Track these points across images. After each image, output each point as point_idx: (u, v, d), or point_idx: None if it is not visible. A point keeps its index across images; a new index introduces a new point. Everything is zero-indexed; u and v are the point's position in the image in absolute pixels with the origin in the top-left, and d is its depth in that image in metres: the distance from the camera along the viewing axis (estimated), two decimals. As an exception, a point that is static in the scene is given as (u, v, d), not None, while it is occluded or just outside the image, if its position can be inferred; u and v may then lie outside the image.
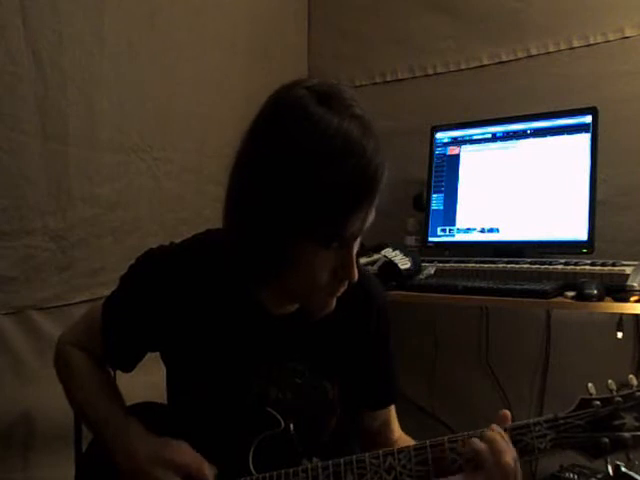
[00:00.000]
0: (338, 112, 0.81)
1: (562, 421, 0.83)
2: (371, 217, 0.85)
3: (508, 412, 0.87)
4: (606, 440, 0.81)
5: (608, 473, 1.63)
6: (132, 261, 1.05)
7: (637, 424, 0.81)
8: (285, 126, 0.81)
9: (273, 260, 0.86)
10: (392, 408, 1.13)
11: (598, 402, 0.83)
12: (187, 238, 1.05)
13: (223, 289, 0.98)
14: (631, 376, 0.84)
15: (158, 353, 1.06)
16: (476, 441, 0.84)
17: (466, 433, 0.85)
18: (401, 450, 0.87)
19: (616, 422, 0.82)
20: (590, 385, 0.85)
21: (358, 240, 0.88)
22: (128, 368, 1.08)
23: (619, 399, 0.82)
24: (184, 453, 0.94)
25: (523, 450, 0.83)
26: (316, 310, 0.93)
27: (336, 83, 0.87)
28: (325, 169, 0.78)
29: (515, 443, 0.83)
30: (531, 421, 0.84)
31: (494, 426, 0.85)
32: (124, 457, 0.96)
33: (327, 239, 0.83)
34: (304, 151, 0.79)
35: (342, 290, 0.91)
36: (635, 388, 0.83)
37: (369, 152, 0.80)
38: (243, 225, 0.86)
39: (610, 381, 0.84)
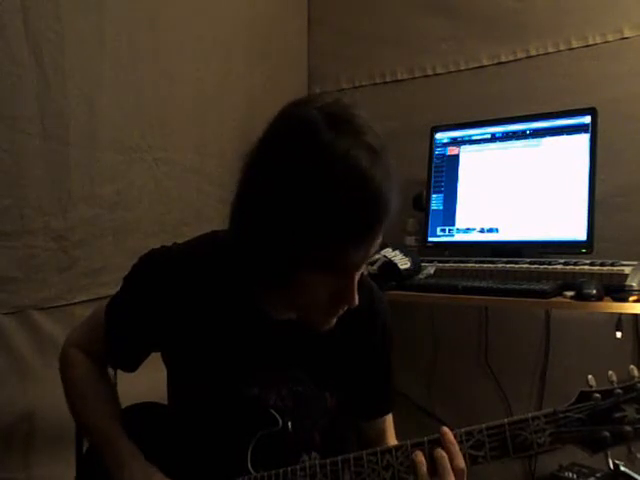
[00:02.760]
0: (348, 139, 0.78)
1: (561, 415, 0.82)
2: (377, 245, 0.84)
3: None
4: (607, 433, 0.79)
5: (608, 472, 1.63)
6: (133, 261, 1.04)
7: (638, 416, 0.79)
8: (293, 149, 0.79)
9: (274, 277, 0.86)
10: (388, 418, 1.13)
11: (598, 395, 0.81)
12: (192, 238, 1.05)
13: (225, 291, 0.98)
14: (632, 367, 0.82)
15: (159, 354, 1.06)
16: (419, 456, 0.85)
17: (463, 430, 0.85)
18: (399, 447, 0.87)
19: (617, 415, 0.80)
20: (590, 377, 0.83)
21: (363, 266, 0.87)
22: (131, 368, 1.08)
23: (619, 391, 0.80)
24: None
25: (522, 445, 0.82)
26: (315, 326, 0.92)
27: (349, 104, 0.83)
28: (329, 198, 0.76)
29: (513, 438, 0.82)
30: (529, 415, 0.83)
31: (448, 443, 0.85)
32: (114, 476, 0.97)
33: (327, 266, 0.82)
34: (309, 178, 0.77)
35: (341, 312, 0.90)
36: (636, 379, 0.81)
37: (375, 183, 0.78)
38: (247, 238, 0.86)
39: (610, 372, 0.82)
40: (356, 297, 0.86)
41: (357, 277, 0.86)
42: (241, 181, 0.87)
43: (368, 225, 0.80)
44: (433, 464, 0.84)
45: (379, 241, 0.84)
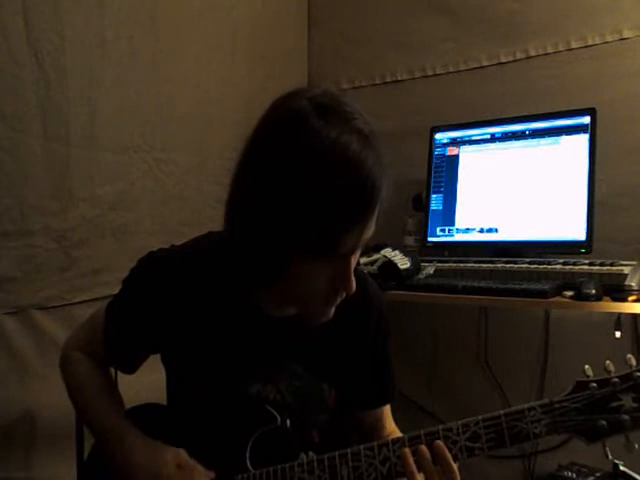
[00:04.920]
0: (337, 125, 0.79)
1: (557, 405, 0.82)
2: (370, 231, 0.84)
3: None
4: (604, 422, 0.79)
5: (607, 472, 1.63)
6: (133, 261, 1.05)
7: (635, 405, 0.79)
8: (282, 139, 0.81)
9: (270, 268, 0.87)
10: (386, 407, 1.14)
11: (595, 384, 0.81)
12: (188, 240, 1.06)
13: (223, 291, 0.98)
14: (629, 356, 0.82)
15: (158, 355, 1.06)
16: (405, 451, 0.85)
17: (460, 422, 0.86)
18: (396, 441, 0.87)
19: (614, 404, 0.80)
20: (587, 367, 0.83)
21: (357, 252, 0.88)
22: (130, 370, 1.09)
23: (616, 380, 0.80)
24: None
25: (518, 436, 0.82)
26: (313, 318, 0.93)
27: (339, 94, 0.85)
28: (320, 184, 0.77)
29: (510, 429, 0.83)
30: (525, 406, 0.83)
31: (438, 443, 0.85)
32: (122, 465, 0.97)
33: (322, 252, 0.82)
34: (300, 165, 0.78)
35: (339, 301, 0.90)
36: (633, 368, 0.81)
37: (366, 167, 0.79)
38: (241, 232, 0.87)
39: (607, 362, 0.81)
40: (353, 283, 0.86)
41: (353, 263, 0.87)
42: (234, 176, 0.88)
43: (361, 209, 0.80)
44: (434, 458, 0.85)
45: (373, 226, 0.85)
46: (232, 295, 0.98)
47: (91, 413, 1.06)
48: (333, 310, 0.92)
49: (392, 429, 1.14)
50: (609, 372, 0.82)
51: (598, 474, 1.70)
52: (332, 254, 0.83)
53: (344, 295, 0.90)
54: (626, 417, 0.79)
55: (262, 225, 0.82)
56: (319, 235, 0.80)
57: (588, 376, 0.83)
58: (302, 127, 0.79)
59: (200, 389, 1.00)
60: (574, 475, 1.74)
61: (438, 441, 0.85)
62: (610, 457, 0.79)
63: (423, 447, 0.85)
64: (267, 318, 0.99)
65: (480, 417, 0.85)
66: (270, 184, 0.81)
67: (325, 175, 0.78)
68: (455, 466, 0.84)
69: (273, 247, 0.83)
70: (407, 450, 0.86)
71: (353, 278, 0.86)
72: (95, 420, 1.05)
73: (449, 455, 0.84)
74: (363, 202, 0.80)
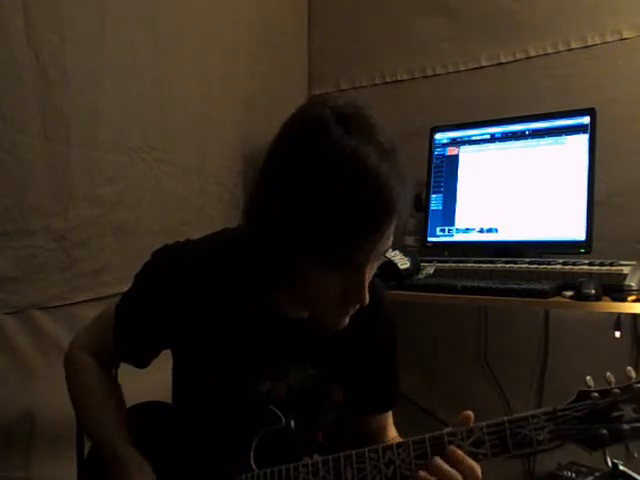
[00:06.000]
0: (357, 136, 0.79)
1: (560, 413, 0.83)
2: (387, 242, 0.84)
3: (470, 413, 0.86)
4: (604, 432, 0.81)
5: (607, 472, 1.63)
6: (133, 261, 1.05)
7: (635, 415, 0.81)
8: (302, 145, 0.81)
9: (284, 270, 0.87)
10: (389, 413, 1.15)
11: (596, 394, 0.82)
12: (204, 236, 1.05)
13: (237, 289, 0.98)
14: (629, 368, 0.83)
15: (163, 353, 1.07)
16: (422, 474, 0.83)
17: (464, 428, 0.86)
18: (400, 444, 0.87)
19: (615, 414, 0.81)
20: (588, 378, 0.84)
21: (374, 264, 0.87)
22: (141, 364, 1.08)
23: (617, 391, 0.82)
24: None
25: (522, 442, 0.83)
26: (326, 324, 0.93)
27: (362, 106, 0.85)
28: (335, 192, 0.77)
29: (513, 435, 0.83)
30: (529, 413, 0.84)
31: (452, 448, 0.84)
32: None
33: (336, 260, 0.82)
34: (317, 172, 0.78)
35: (352, 311, 0.90)
36: (634, 380, 0.83)
37: (383, 179, 0.78)
38: (258, 235, 0.87)
39: (608, 373, 0.83)
40: (366, 295, 0.86)
41: (368, 275, 0.86)
42: (256, 178, 0.88)
43: (372, 222, 0.80)
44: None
45: (389, 239, 0.85)
46: (245, 293, 0.98)
47: (87, 424, 1.08)
48: (347, 320, 0.91)
49: (394, 435, 1.14)
50: (610, 383, 0.83)
51: (597, 474, 1.71)
52: (345, 263, 0.83)
53: (357, 307, 0.89)
54: (626, 427, 0.80)
55: (278, 227, 0.83)
56: (333, 242, 0.80)
57: (590, 386, 0.84)
58: (322, 135, 0.79)
59: (208, 387, 1.00)
60: (574, 475, 1.74)
61: (452, 446, 0.84)
62: (610, 465, 0.81)
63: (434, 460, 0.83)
64: (279, 317, 0.99)
65: (484, 423, 0.85)
66: (287, 189, 0.81)
67: (341, 183, 0.77)
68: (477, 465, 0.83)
69: (288, 250, 0.83)
70: (422, 472, 0.84)
71: (366, 291, 0.86)
72: (90, 431, 1.08)
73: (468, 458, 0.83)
74: (377, 213, 0.79)
